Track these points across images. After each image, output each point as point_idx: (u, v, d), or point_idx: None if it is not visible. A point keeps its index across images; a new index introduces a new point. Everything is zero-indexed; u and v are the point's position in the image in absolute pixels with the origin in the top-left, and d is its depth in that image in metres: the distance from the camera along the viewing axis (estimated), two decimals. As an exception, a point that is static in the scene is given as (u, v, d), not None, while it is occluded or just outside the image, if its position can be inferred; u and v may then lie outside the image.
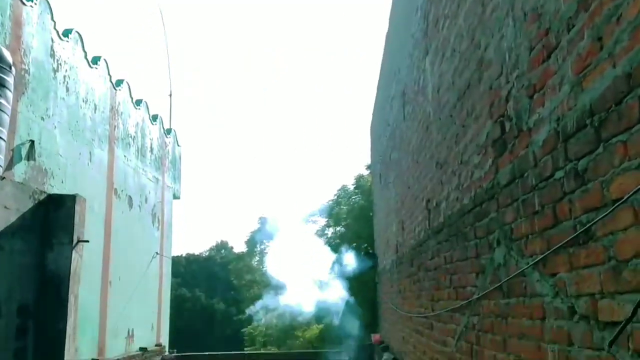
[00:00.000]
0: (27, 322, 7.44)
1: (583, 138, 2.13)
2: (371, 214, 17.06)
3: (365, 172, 22.19)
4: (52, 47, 9.81)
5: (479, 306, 3.76)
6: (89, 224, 9.13)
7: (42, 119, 9.42)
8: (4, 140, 7.78)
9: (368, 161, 19.40)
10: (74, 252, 7.95)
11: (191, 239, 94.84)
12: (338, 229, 23.21)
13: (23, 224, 7.45)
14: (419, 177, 6.56)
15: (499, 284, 3.28)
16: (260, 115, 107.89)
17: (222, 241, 59.54)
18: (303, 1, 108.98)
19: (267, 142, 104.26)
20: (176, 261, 31.75)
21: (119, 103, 12.98)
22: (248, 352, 22.43)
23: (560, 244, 2.34)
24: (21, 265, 7.42)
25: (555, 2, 2.41)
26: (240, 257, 34.33)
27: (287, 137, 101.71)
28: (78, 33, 10.84)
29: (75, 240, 8.00)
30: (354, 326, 16.88)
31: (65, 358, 7.71)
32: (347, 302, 17.89)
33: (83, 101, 11.03)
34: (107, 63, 12.21)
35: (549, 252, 2.48)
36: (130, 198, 13.51)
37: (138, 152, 14.26)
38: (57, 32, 10.01)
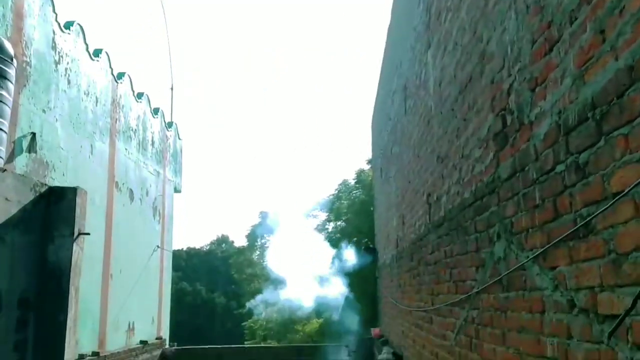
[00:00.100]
0: (27, 314, 7.46)
1: (584, 131, 2.13)
2: (372, 208, 17.07)
3: (366, 167, 22.20)
4: (53, 39, 9.80)
5: (479, 300, 3.76)
6: (90, 216, 9.14)
7: (44, 111, 9.42)
8: (5, 133, 7.78)
9: (369, 156, 19.39)
10: (74, 244, 7.96)
11: (192, 232, 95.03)
12: (339, 223, 23.24)
13: (24, 216, 7.46)
14: (420, 171, 6.55)
15: (498, 277, 3.28)
16: (261, 112, 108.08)
17: (222, 235, 59.67)
18: (303, 1, 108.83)
19: (268, 138, 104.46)
20: (177, 255, 31.83)
21: (121, 96, 12.98)
22: (248, 345, 22.51)
23: (560, 238, 2.34)
24: (22, 257, 7.44)
25: (557, -6, 2.40)
26: (240, 251, 34.39)
27: (287, 134, 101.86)
28: (80, 25, 10.83)
29: (76, 233, 8.01)
30: (353, 320, 16.92)
31: (66, 350, 7.73)
32: (347, 297, 17.94)
33: (84, 94, 11.03)
34: (108, 56, 12.20)
35: (549, 245, 2.48)
36: (131, 191, 13.53)
37: (139, 145, 14.27)
38: (59, 24, 10.00)
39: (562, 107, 2.34)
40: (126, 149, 13.29)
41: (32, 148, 8.98)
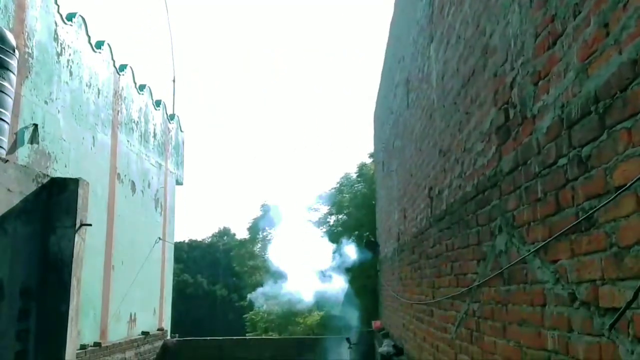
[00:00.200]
0: (29, 304, 7.49)
1: (587, 125, 2.13)
2: (373, 202, 17.07)
3: (368, 161, 22.18)
4: (55, 30, 9.79)
5: (480, 293, 3.77)
6: (92, 208, 9.16)
7: (46, 102, 9.42)
8: (8, 124, 7.79)
9: (371, 149, 19.37)
10: (76, 235, 7.98)
11: (194, 225, 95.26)
12: (340, 216, 23.24)
13: (26, 207, 7.47)
14: (422, 165, 6.55)
15: (499, 270, 3.29)
16: (262, 108, 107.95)
17: (224, 227, 59.69)
18: (303, 1, 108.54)
19: (269, 133, 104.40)
20: (179, 247, 31.87)
21: (123, 88, 12.97)
22: (249, 337, 22.58)
23: (562, 231, 2.34)
24: (24, 248, 7.46)
25: (561, -12, 2.40)
26: (242, 243, 34.36)
27: (289, 128, 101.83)
28: (82, 17, 10.81)
29: (78, 224, 8.02)
30: (354, 313, 16.96)
31: (68, 341, 7.76)
32: (348, 289, 17.97)
33: (86, 85, 11.02)
34: (110, 48, 12.19)
35: (550, 239, 2.48)
36: (133, 183, 13.55)
37: (141, 137, 14.27)
38: (61, 15, 9.98)
39: (565, 100, 2.34)
40: (128, 141, 13.30)
41: (34, 139, 8.99)
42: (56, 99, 9.77)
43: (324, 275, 18.20)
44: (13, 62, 7.83)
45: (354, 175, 23.58)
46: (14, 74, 7.88)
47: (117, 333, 12.36)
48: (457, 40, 4.53)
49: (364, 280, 16.99)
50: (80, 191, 8.17)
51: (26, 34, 8.83)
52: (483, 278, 3.65)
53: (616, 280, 1.88)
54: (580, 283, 2.19)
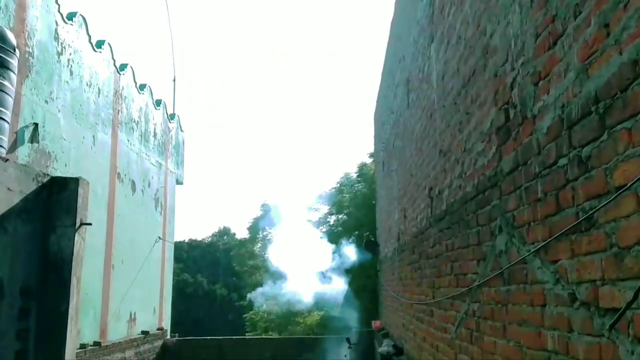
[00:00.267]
0: (29, 303, 7.49)
1: (587, 125, 2.13)
2: (373, 202, 17.08)
3: (369, 160, 22.17)
4: (56, 30, 9.79)
5: (480, 293, 3.77)
6: (92, 207, 9.16)
7: (46, 102, 9.43)
8: (8, 123, 7.79)
9: (371, 149, 19.38)
10: (76, 234, 7.98)
11: (194, 224, 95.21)
12: (340, 216, 23.24)
13: (26, 206, 7.47)
14: (422, 165, 6.55)
15: (500, 271, 3.29)
16: (262, 108, 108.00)
17: (224, 227, 59.65)
18: (303, 1, 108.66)
19: (269, 133, 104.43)
20: (178, 246, 31.86)
21: (123, 87, 12.97)
22: (249, 336, 22.58)
23: (562, 231, 2.34)
24: (24, 247, 7.46)
25: (562, -12, 2.40)
26: (242, 243, 34.35)
27: (289, 128, 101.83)
28: (82, 16, 10.81)
29: (78, 223, 8.03)
30: (354, 314, 16.96)
31: (67, 340, 7.77)
32: (348, 289, 17.97)
33: (87, 85, 11.03)
34: (111, 47, 12.19)
35: (550, 239, 2.48)
36: (133, 182, 13.55)
37: (141, 136, 14.27)
38: (62, 15, 9.98)
39: (566, 101, 2.34)
40: (128, 140, 13.30)
41: (34, 138, 8.99)
42: (56, 98, 9.77)
43: (324, 277, 18.20)
44: (13, 62, 7.83)
45: (354, 175, 23.58)
46: (14, 73, 7.88)
47: (117, 332, 12.36)
48: (458, 41, 4.53)
49: (364, 280, 17.00)
50: (80, 190, 8.18)
51: (27, 33, 8.83)
52: (483, 278, 3.65)
53: (616, 280, 1.88)
54: (580, 283, 2.19)
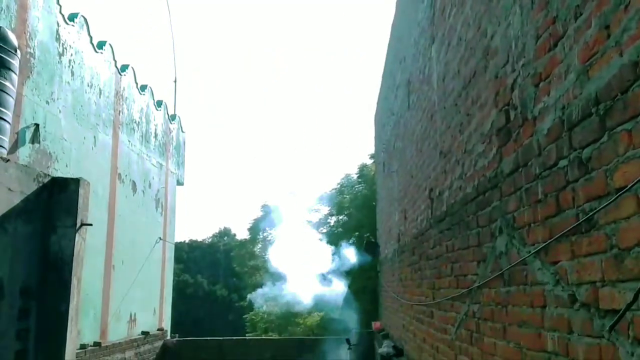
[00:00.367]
0: (29, 303, 7.49)
1: (588, 127, 2.13)
2: (374, 203, 17.07)
3: (369, 161, 22.18)
4: (57, 31, 9.80)
5: (480, 294, 3.77)
6: (93, 208, 9.16)
7: (47, 102, 9.43)
8: (9, 123, 7.80)
9: (372, 150, 19.38)
10: (77, 235, 7.99)
11: (194, 225, 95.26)
12: (341, 217, 23.24)
13: (27, 207, 7.48)
14: (423, 166, 6.55)
15: (500, 272, 3.29)
16: (262, 108, 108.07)
17: (225, 228, 59.68)
18: (303, 1, 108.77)
19: (270, 133, 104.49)
20: (179, 247, 31.86)
21: (124, 88, 12.98)
22: (249, 337, 22.57)
23: (562, 233, 2.34)
24: (24, 247, 7.46)
25: (563, -11, 2.40)
26: (242, 244, 34.36)
27: (289, 129, 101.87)
28: (83, 17, 10.82)
29: (78, 224, 8.03)
30: (354, 314, 16.95)
31: (67, 340, 7.77)
32: (348, 290, 17.96)
33: (88, 86, 11.03)
34: (112, 48, 12.20)
35: (551, 240, 2.49)
36: (134, 183, 13.55)
37: (142, 137, 14.28)
38: (63, 16, 9.99)
39: (566, 102, 2.34)
40: (129, 141, 13.31)
41: (35, 139, 9.00)
42: (57, 99, 9.78)
43: (324, 279, 18.19)
44: (15, 62, 7.84)
45: (355, 176, 23.59)
46: (15, 73, 7.89)
47: (117, 333, 12.36)
48: (458, 42, 4.53)
49: (364, 281, 16.99)
50: (81, 191, 8.18)
51: (28, 34, 8.84)
52: (483, 279, 3.66)
53: (616, 281, 1.89)
54: (580, 284, 2.19)
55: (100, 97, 11.60)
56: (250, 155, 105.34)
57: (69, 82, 10.20)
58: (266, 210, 28.29)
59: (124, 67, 13.03)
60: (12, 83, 7.77)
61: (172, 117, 17.17)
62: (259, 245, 30.98)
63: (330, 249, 18.75)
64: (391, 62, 10.69)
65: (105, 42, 11.85)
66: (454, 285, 4.63)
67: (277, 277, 20.33)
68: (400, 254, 9.06)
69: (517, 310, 3.01)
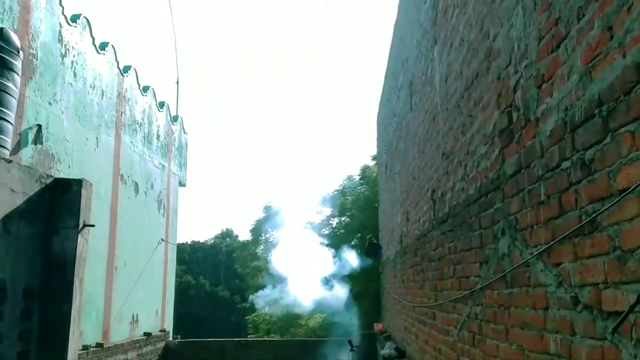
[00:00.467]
0: (32, 304, 7.50)
1: (591, 128, 2.12)
2: (376, 204, 17.07)
3: (371, 163, 22.18)
4: (60, 32, 9.82)
5: (482, 296, 3.77)
6: (95, 209, 9.17)
7: (50, 103, 9.45)
8: (12, 124, 7.81)
9: (374, 152, 19.38)
10: (79, 236, 8.00)
11: (196, 226, 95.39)
12: (343, 219, 23.24)
13: (29, 208, 7.49)
14: (425, 167, 6.55)
15: (502, 274, 3.28)
16: (264, 109, 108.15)
17: (227, 229, 59.78)
18: (303, 1, 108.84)
19: (272, 134, 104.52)
20: (181, 248, 31.89)
21: (126, 89, 12.99)
22: (251, 339, 22.56)
23: (565, 234, 2.34)
24: (27, 248, 7.48)
25: (565, -9, 2.39)
26: (245, 245, 34.40)
27: (292, 130, 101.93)
28: (86, 18, 10.84)
29: (81, 225, 8.04)
30: (356, 315, 16.95)
31: (70, 341, 7.78)
32: (351, 292, 17.96)
33: (90, 87, 11.05)
34: (114, 49, 12.21)
35: (553, 242, 2.48)
36: (136, 184, 13.56)
37: (144, 138, 14.29)
38: (65, 17, 10.01)
39: (569, 104, 2.33)
40: (131, 142, 13.32)
41: (37, 140, 9.01)
42: (60, 100, 9.79)
43: (326, 282, 18.19)
44: (17, 63, 7.85)
45: (357, 178, 23.59)
46: (18, 75, 7.90)
47: (120, 334, 12.37)
48: (461, 43, 4.53)
49: (366, 283, 16.99)
50: (83, 192, 8.19)
51: (31, 35, 8.86)
52: (485, 281, 3.65)
53: (619, 283, 1.88)
54: (583, 286, 2.18)
55: (102, 98, 11.61)
56: (251, 156, 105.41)
57: (71, 83, 10.21)
58: (268, 211, 28.32)
59: (127, 68, 13.04)
60: (14, 84, 7.79)
61: (175, 118, 17.18)
62: (261, 247, 30.98)
63: (332, 252, 18.75)
64: (393, 63, 10.69)
65: (107, 43, 11.87)
66: (456, 286, 4.62)
67: (279, 279, 20.33)
68: (403, 255, 9.06)
69: (519, 312, 3.00)
